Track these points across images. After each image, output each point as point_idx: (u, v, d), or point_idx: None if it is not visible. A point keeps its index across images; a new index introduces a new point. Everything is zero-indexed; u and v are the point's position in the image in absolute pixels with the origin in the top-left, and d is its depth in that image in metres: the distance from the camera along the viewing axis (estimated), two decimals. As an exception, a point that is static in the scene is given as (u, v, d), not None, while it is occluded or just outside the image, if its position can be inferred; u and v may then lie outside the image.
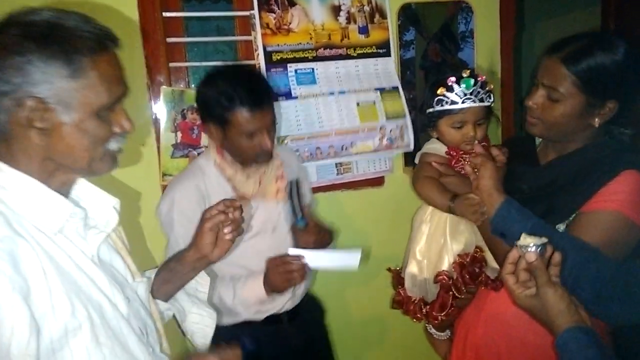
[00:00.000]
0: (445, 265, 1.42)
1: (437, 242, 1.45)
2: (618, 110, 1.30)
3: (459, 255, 1.41)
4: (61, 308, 0.85)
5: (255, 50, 1.92)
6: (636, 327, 1.21)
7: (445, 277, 1.41)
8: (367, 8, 2.03)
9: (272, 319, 1.69)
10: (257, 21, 1.88)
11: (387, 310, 1.69)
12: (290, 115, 1.95)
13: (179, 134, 1.87)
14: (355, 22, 2.02)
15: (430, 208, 1.47)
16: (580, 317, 1.01)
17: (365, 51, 2.05)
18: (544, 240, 1.02)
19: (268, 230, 1.67)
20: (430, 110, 1.44)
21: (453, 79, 1.37)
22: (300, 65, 1.97)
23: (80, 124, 0.89)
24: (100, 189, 1.04)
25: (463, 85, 1.37)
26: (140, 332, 1.00)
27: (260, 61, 1.91)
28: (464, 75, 1.38)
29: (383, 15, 2.06)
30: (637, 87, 1.30)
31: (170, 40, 1.86)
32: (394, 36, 2.08)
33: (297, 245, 1.64)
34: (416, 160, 1.55)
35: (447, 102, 1.39)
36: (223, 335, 1.58)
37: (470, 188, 1.34)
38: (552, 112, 1.30)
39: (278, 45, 1.93)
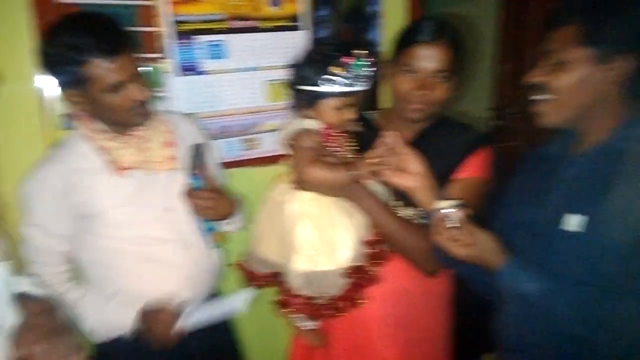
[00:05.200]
0: (348, 254, 1.26)
1: (328, 231, 1.27)
2: None
3: (365, 241, 1.28)
4: None
5: (157, 17, 1.66)
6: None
7: (355, 268, 1.27)
8: (277, -21, 1.83)
9: None
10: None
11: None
12: (197, 92, 1.75)
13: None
14: (265, -8, 1.81)
15: (309, 196, 1.28)
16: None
17: (276, 24, 1.85)
18: (457, 201, 1.12)
19: (158, 209, 1.42)
20: (315, 88, 1.23)
21: (348, 58, 1.19)
22: (210, 38, 1.75)
23: None
24: None
25: (356, 67, 1.20)
26: None
27: (165, 30, 1.67)
28: (358, 55, 1.21)
29: (294, -12, 1.86)
30: None
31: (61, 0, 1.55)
32: (306, 9, 1.90)
33: (193, 211, 1.41)
34: (283, 139, 1.33)
35: (338, 83, 1.21)
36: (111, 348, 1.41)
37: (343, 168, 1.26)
38: (441, 92, 1.33)
39: (186, 14, 1.70)
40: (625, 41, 1.02)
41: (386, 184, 1.31)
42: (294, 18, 1.88)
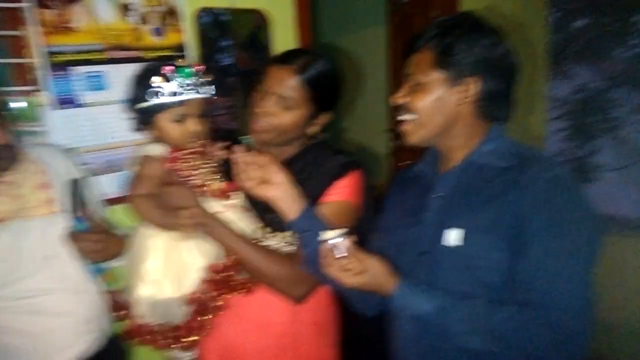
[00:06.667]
0: (194, 281, 1.20)
1: (177, 256, 1.20)
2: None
3: (208, 268, 1.20)
4: None
5: (27, 48, 1.55)
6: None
7: (200, 296, 1.19)
8: (160, 9, 1.78)
9: None
10: (31, 14, 1.53)
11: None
12: (77, 125, 1.65)
13: None
14: (148, 22, 1.76)
15: None
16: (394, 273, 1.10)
17: (161, 54, 1.79)
18: (343, 230, 1.09)
19: (38, 259, 1.28)
20: (145, 104, 1.19)
21: (169, 68, 1.18)
22: (88, 69, 1.66)
23: None
24: None
25: (181, 75, 1.18)
26: None
27: (38, 61, 1.57)
28: (180, 64, 1.20)
29: (178, 18, 1.82)
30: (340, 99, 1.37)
31: None
32: (192, 39, 1.87)
33: (80, 256, 1.29)
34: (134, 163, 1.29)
35: (164, 94, 1.18)
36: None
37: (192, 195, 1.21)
38: (284, 119, 1.27)
39: (59, 45, 1.60)
40: (473, 65, 1.08)
41: (255, 209, 1.31)
42: (179, 48, 1.83)
